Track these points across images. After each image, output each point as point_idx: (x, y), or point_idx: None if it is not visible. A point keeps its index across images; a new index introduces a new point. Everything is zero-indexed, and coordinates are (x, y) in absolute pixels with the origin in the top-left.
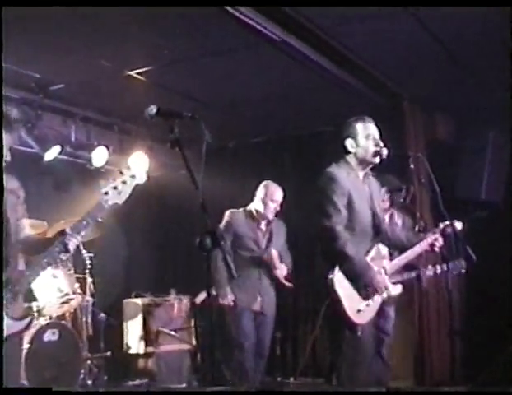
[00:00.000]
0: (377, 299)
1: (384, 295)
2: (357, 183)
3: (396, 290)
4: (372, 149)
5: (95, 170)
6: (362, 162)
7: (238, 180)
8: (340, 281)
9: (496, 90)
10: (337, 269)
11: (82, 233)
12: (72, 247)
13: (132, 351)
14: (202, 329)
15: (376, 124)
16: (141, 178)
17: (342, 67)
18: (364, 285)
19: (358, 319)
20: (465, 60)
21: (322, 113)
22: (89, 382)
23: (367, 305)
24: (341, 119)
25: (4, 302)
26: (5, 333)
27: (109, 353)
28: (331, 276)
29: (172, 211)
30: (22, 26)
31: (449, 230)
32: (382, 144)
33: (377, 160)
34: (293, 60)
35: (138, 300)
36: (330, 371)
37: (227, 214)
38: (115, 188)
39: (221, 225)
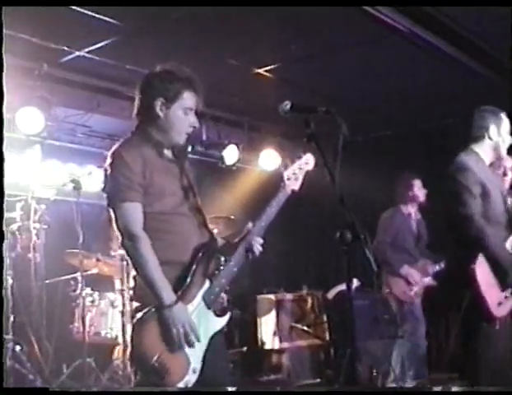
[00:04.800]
0: None
1: None
2: (487, 171)
3: None
4: (505, 139)
5: (227, 169)
6: (494, 152)
7: (367, 174)
8: (481, 271)
9: None
10: (478, 259)
11: (268, 222)
12: (256, 250)
13: (266, 347)
14: (334, 324)
15: (508, 115)
16: (311, 165)
17: (471, 57)
18: (505, 274)
19: (498, 312)
20: None
21: (451, 105)
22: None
23: (505, 297)
24: (471, 111)
25: (212, 296)
26: (210, 332)
27: (244, 348)
28: (473, 266)
29: (302, 207)
30: (156, 29)
31: None
32: None
33: (505, 153)
34: (421, 52)
35: (272, 296)
36: (464, 367)
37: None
38: (294, 173)
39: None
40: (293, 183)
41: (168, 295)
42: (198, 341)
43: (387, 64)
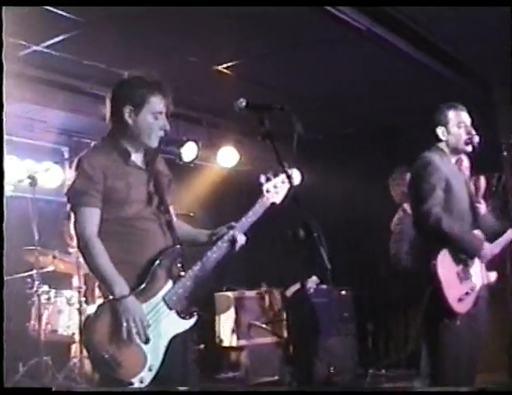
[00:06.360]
0: (475, 289)
1: (482, 281)
2: (452, 168)
3: (492, 277)
4: (464, 137)
5: (185, 166)
6: (454, 150)
7: (326, 172)
8: (443, 267)
9: None
10: (440, 254)
11: (242, 231)
12: (238, 246)
13: (224, 344)
14: (293, 322)
15: (468, 112)
16: (296, 180)
17: (431, 56)
18: (471, 260)
19: (458, 308)
20: None
21: (411, 103)
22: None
23: (467, 293)
24: (431, 109)
25: (174, 298)
26: (171, 332)
27: (202, 346)
28: (434, 262)
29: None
30: (115, 25)
31: None
32: (474, 132)
33: (469, 148)
34: (381, 51)
35: (230, 294)
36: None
37: None
38: (275, 186)
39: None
40: (273, 196)
41: (120, 288)
42: (148, 339)
43: (347, 62)
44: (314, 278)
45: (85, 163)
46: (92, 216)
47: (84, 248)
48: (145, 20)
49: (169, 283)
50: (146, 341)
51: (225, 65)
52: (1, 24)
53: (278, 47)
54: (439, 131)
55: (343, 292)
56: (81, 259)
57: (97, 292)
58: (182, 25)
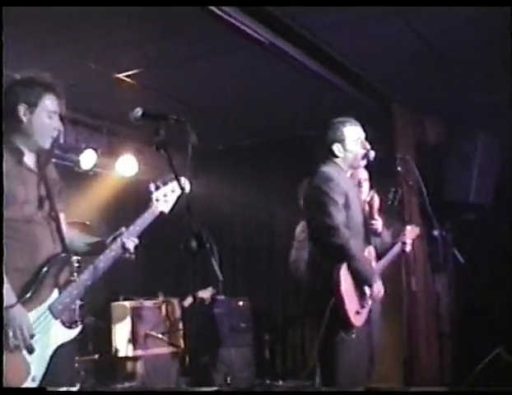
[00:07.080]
0: (369, 302)
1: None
2: (349, 183)
3: (380, 293)
4: (360, 152)
5: (83, 173)
6: (350, 166)
7: (226, 183)
8: (345, 280)
9: (485, 93)
10: (342, 268)
11: (135, 239)
12: (131, 248)
13: (120, 354)
14: (190, 332)
15: (363, 126)
16: (185, 189)
17: (330, 70)
18: (365, 286)
19: (356, 321)
20: (455, 63)
21: (310, 116)
22: (76, 384)
23: (362, 307)
24: (327, 124)
25: (60, 307)
26: (55, 342)
27: (96, 356)
28: (338, 275)
29: (160, 214)
30: (11, 27)
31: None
32: (369, 146)
33: (364, 162)
34: (281, 63)
35: (126, 303)
36: (318, 373)
37: None
38: (165, 195)
39: None
40: (162, 205)
41: (7, 297)
42: (32, 349)
43: (248, 73)
44: (210, 289)
45: None
46: None
47: None
48: (43, 22)
49: (56, 292)
50: (31, 352)
51: (125, 73)
52: (1, 24)
53: (178, 56)
54: (336, 148)
55: (241, 303)
56: None
57: None
58: (82, 32)
